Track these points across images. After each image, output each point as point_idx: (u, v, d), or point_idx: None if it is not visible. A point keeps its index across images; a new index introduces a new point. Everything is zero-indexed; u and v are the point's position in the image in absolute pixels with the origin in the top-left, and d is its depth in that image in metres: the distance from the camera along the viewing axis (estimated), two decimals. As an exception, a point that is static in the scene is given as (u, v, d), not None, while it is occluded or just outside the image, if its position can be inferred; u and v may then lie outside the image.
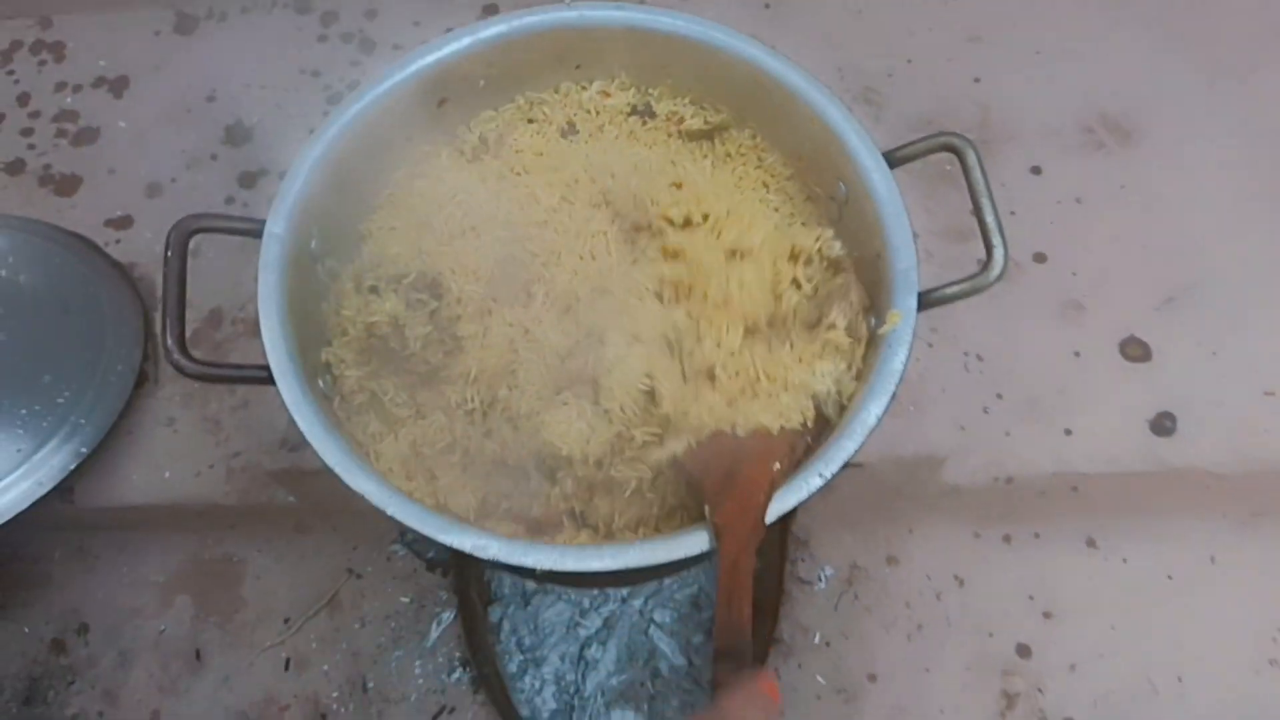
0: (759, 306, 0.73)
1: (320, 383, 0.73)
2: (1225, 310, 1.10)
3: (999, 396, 1.06)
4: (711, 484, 0.67)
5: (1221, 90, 1.25)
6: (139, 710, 1.03)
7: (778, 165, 0.85)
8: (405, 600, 1.08)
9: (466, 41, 0.81)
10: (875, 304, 0.74)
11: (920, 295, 0.71)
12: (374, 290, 0.77)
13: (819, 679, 1.04)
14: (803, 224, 0.82)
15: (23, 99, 1.26)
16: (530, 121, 0.87)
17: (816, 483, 0.65)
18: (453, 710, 1.03)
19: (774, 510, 0.64)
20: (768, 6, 1.32)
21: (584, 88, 0.87)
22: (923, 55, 1.27)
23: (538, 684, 1.18)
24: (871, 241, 0.75)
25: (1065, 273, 1.13)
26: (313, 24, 1.31)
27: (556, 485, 0.75)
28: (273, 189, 0.73)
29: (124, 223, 1.16)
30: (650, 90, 0.87)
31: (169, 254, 0.68)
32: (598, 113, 0.87)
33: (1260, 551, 1.09)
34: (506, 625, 1.22)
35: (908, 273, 0.71)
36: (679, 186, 0.79)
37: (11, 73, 1.28)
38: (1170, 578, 1.08)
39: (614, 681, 1.19)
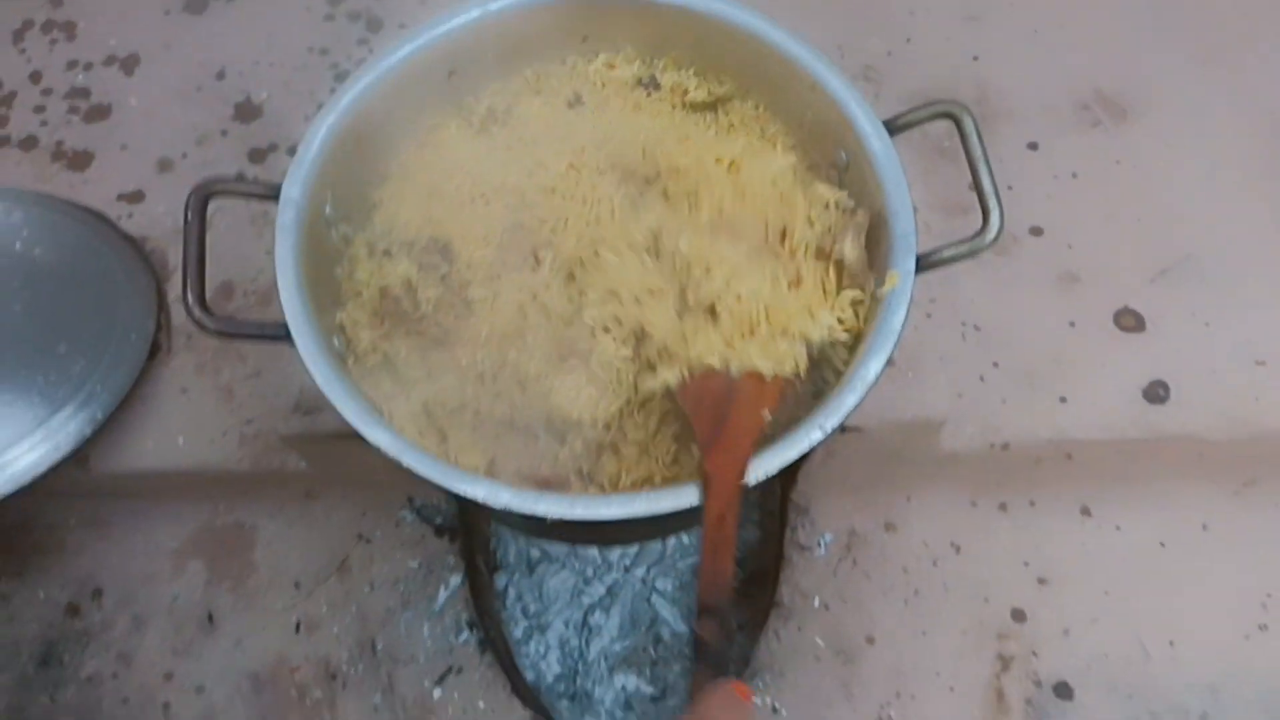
0: (763, 216, 0.74)
1: (335, 341, 0.75)
2: (1218, 282, 1.12)
3: (995, 365, 1.08)
4: (702, 425, 0.68)
5: (1216, 68, 1.27)
6: (152, 672, 1.06)
7: (780, 135, 0.86)
8: (414, 565, 1.10)
9: (475, 14, 0.83)
10: (875, 266, 0.76)
11: (919, 258, 0.73)
12: (387, 254, 0.79)
13: (818, 641, 1.06)
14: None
15: (35, 76, 1.28)
16: (537, 93, 0.88)
17: (817, 436, 0.67)
18: (460, 671, 1.05)
19: (776, 462, 0.66)
20: (769, -15, 1.33)
21: (590, 60, 0.89)
22: (922, 34, 1.29)
23: (542, 649, 1.21)
24: (871, 206, 0.77)
25: (1061, 245, 1.15)
26: (320, 3, 1.32)
27: (565, 445, 0.76)
28: (282, 164, 0.75)
29: (136, 197, 1.18)
30: (655, 62, 0.89)
31: (189, 216, 0.70)
32: (604, 85, 0.88)
33: (1251, 519, 1.12)
34: (512, 592, 1.24)
35: (906, 235, 0.73)
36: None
37: (24, 51, 1.30)
38: (1163, 545, 1.11)
39: (617, 647, 1.22)
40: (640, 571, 1.26)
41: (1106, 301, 1.12)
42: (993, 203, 0.72)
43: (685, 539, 1.26)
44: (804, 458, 1.10)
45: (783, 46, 0.81)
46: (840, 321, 0.74)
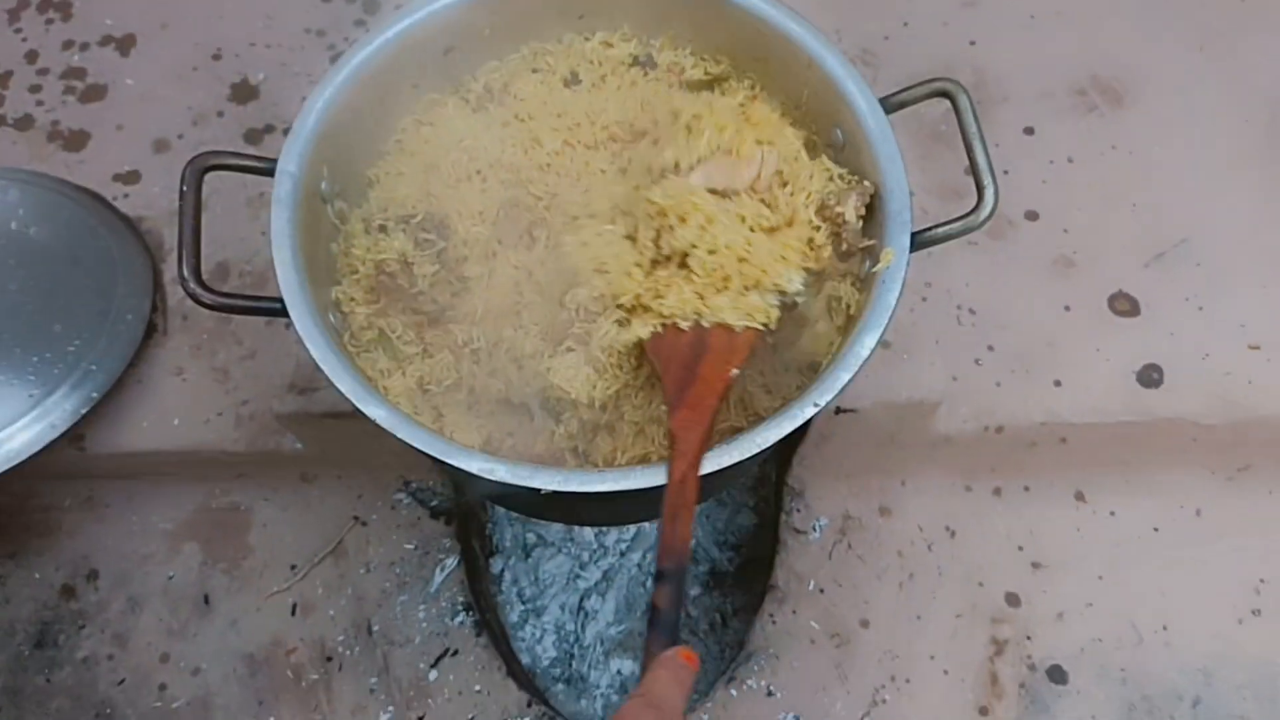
0: (760, 151, 0.74)
1: (331, 317, 0.75)
2: (1212, 267, 1.13)
3: (990, 348, 1.08)
4: (671, 380, 0.67)
5: (1211, 53, 1.27)
6: (148, 653, 1.06)
7: (776, 115, 0.86)
8: (410, 547, 1.10)
9: (472, -11, 0.83)
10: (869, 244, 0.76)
11: (914, 235, 0.73)
12: (383, 229, 0.79)
13: (813, 624, 1.07)
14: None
15: (30, 56, 1.27)
16: (534, 71, 0.88)
17: (810, 410, 0.66)
18: (455, 653, 1.05)
19: (769, 437, 0.66)
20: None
21: (587, 38, 0.89)
22: (919, 18, 1.29)
23: (538, 633, 1.21)
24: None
25: (1056, 230, 1.15)
26: (317, -15, 1.32)
27: (561, 425, 0.76)
28: (279, 145, 0.75)
29: (132, 177, 1.18)
30: (652, 41, 0.89)
31: (184, 189, 0.70)
32: (600, 63, 0.88)
33: (1244, 505, 1.12)
34: (508, 576, 1.24)
35: (901, 213, 0.73)
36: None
37: (19, 30, 1.29)
38: (1156, 530, 1.11)
39: (612, 632, 1.22)
40: (636, 556, 1.26)
41: (1101, 285, 1.12)
42: (987, 179, 0.72)
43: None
44: (799, 441, 1.11)
45: (779, 24, 0.81)
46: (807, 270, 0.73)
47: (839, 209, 0.74)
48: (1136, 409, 1.05)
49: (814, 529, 1.11)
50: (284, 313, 0.70)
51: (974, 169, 0.73)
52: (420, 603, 1.08)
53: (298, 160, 0.74)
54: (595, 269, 0.74)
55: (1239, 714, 1.03)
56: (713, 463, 0.65)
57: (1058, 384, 1.07)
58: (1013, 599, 1.08)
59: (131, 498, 1.12)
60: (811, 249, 0.74)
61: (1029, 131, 1.22)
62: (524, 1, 0.85)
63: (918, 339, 1.05)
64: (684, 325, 0.70)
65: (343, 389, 0.67)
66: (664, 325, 0.70)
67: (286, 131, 0.77)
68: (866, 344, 0.69)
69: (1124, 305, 1.11)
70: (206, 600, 1.08)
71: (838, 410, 1.03)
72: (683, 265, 0.72)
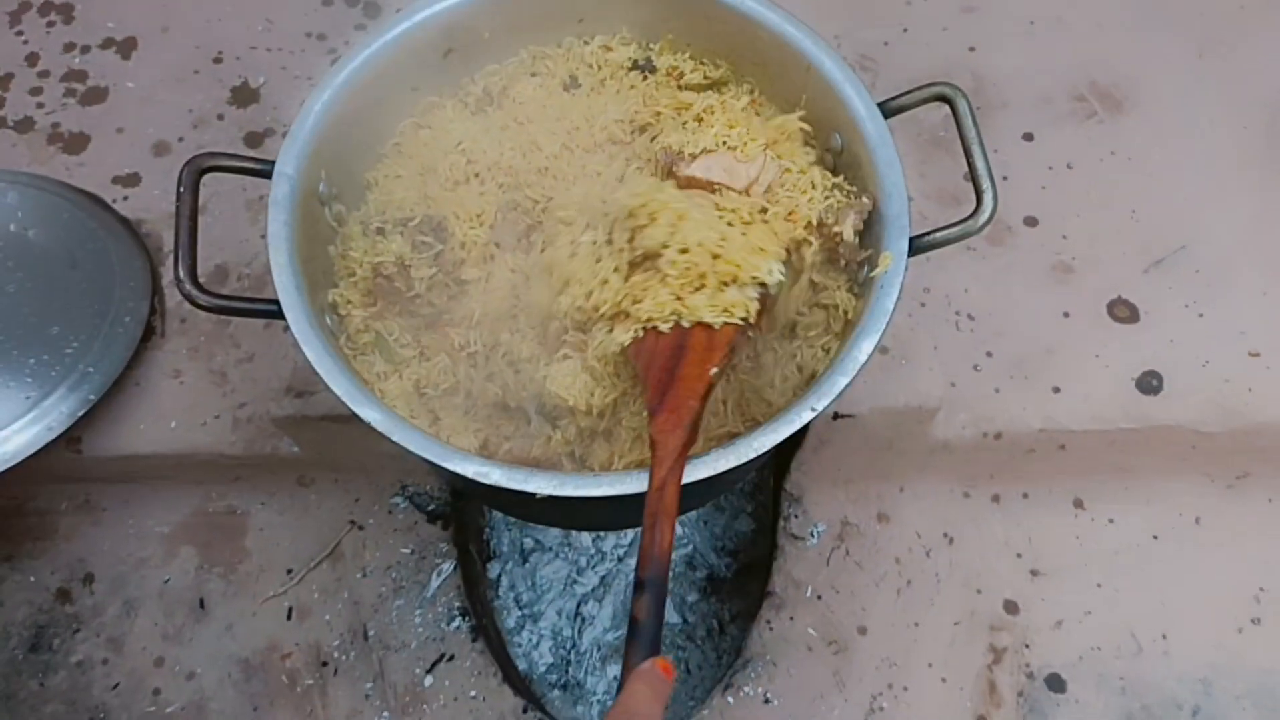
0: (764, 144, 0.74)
1: (327, 320, 0.75)
2: (1211, 273, 1.13)
3: (989, 354, 1.08)
4: (652, 384, 0.66)
5: (1210, 60, 1.27)
6: (143, 657, 1.06)
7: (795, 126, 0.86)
8: (406, 551, 1.10)
9: (472, -8, 0.83)
10: (867, 249, 0.75)
11: (912, 240, 0.73)
12: (380, 232, 0.79)
13: (810, 631, 1.06)
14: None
15: (31, 59, 1.28)
16: (533, 75, 0.88)
17: (808, 415, 0.66)
18: (452, 658, 1.05)
19: (766, 442, 0.66)
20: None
21: (586, 42, 0.89)
22: (918, 24, 1.30)
23: (535, 639, 1.21)
24: (865, 189, 0.77)
25: (1055, 236, 1.15)
26: (317, -11, 1.32)
27: (558, 430, 0.76)
28: (279, 148, 0.75)
29: (131, 180, 1.18)
30: (651, 45, 0.89)
31: (181, 190, 0.70)
32: (599, 67, 0.88)
33: (1243, 513, 1.12)
34: (505, 581, 1.24)
35: (899, 217, 0.73)
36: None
37: (20, 33, 1.30)
38: (1155, 538, 1.11)
39: (609, 637, 1.22)
40: (633, 561, 1.26)
41: (1100, 292, 1.12)
42: (986, 184, 0.72)
43: (678, 529, 1.26)
44: (796, 447, 1.11)
45: (778, 28, 0.81)
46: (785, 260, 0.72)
47: (836, 228, 0.74)
48: (1136, 416, 1.05)
49: (812, 535, 1.11)
50: (280, 315, 0.69)
51: (973, 174, 0.73)
52: (416, 607, 1.07)
53: (295, 162, 0.74)
54: (570, 280, 0.73)
55: (1238, 723, 1.03)
56: (709, 467, 0.65)
57: (1056, 390, 1.06)
58: (1011, 607, 1.08)
59: (128, 501, 1.12)
60: (793, 247, 0.73)
61: (1028, 137, 1.22)
62: (523, 5, 0.85)
63: (916, 344, 1.05)
64: (664, 328, 0.69)
65: (338, 391, 0.67)
66: (644, 330, 0.69)
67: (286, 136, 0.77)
68: (864, 349, 0.68)
69: (1123, 311, 1.10)
70: (202, 604, 1.08)
71: (835, 416, 1.03)
72: (655, 265, 0.71)
